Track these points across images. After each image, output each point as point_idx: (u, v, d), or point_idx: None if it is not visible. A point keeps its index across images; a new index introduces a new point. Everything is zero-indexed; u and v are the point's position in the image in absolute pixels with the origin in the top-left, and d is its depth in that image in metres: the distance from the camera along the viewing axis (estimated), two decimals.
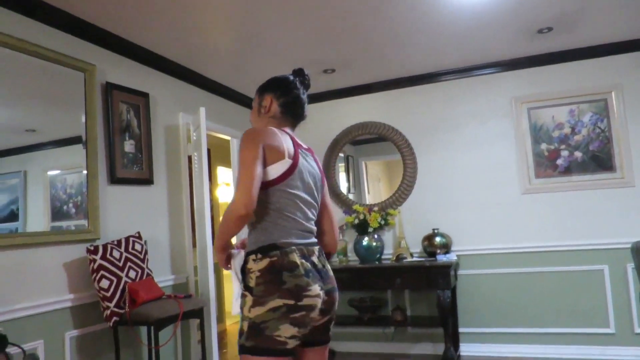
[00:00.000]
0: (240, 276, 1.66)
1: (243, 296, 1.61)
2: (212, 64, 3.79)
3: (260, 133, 1.70)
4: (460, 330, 4.20)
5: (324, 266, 1.73)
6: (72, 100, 2.85)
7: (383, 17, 3.13)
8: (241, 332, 1.59)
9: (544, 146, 4.11)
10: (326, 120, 4.81)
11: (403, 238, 4.30)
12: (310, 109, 4.84)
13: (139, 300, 2.71)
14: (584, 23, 3.45)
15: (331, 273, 1.76)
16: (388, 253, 4.39)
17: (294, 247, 1.63)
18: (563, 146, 4.05)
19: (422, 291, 4.29)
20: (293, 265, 1.60)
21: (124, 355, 2.95)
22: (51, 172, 2.74)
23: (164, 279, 3.36)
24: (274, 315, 1.54)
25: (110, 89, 3.08)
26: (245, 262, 1.65)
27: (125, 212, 3.15)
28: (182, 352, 3.50)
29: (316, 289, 1.62)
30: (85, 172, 2.87)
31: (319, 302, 1.63)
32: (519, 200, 4.13)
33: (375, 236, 4.27)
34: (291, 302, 1.55)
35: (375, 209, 4.42)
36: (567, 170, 4.03)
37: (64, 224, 2.75)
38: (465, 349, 4.17)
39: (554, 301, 3.98)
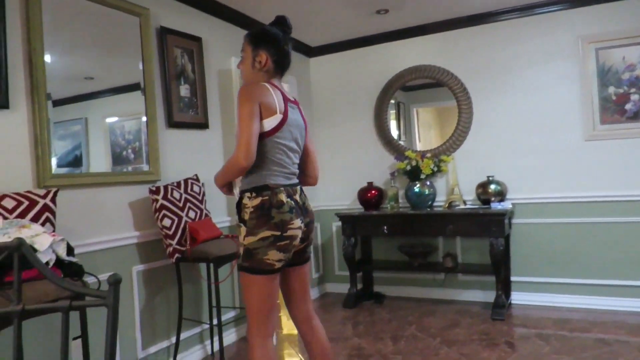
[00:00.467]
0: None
1: (238, 226, 1.94)
2: (263, 6, 3.72)
3: (256, 91, 1.92)
4: (512, 278, 4.16)
5: (304, 203, 2.06)
6: (128, 46, 2.89)
7: None
8: (239, 255, 1.93)
9: (611, 89, 3.85)
10: (378, 64, 4.68)
11: (456, 185, 4.23)
12: (362, 52, 4.77)
13: (199, 238, 2.83)
14: None
15: (310, 208, 2.09)
16: (440, 200, 4.34)
17: (282, 188, 1.94)
18: (633, 89, 3.78)
19: (474, 239, 4.25)
20: (280, 203, 1.91)
21: (186, 289, 3.12)
22: (109, 119, 2.83)
23: (221, 220, 3.49)
24: (263, 243, 1.87)
25: (164, 33, 3.11)
26: (241, 198, 1.95)
27: (183, 155, 3.25)
28: (239, 289, 3.67)
29: (298, 222, 1.95)
30: (144, 118, 2.94)
31: (299, 233, 1.97)
32: (581, 147, 3.94)
33: (427, 183, 4.22)
34: (277, 233, 1.88)
35: (428, 155, 4.35)
36: (636, 116, 3.78)
37: (123, 169, 2.87)
38: (516, 297, 4.15)
39: (611, 252, 3.85)
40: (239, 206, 1.96)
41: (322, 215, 4.96)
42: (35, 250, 1.83)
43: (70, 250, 2.04)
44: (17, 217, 2.06)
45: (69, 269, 1.98)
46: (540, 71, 4.05)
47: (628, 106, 3.80)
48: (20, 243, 0.90)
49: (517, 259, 4.15)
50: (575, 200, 3.95)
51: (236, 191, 2.04)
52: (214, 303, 3.07)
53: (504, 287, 3.96)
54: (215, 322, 3.10)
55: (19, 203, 2.08)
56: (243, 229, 1.92)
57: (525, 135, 4.11)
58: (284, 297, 2.18)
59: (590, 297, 3.92)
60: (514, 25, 4.12)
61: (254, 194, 1.91)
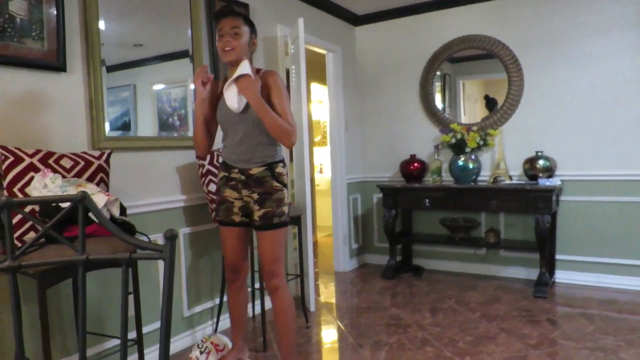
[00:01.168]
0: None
1: (276, 190, 2.28)
2: None
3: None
4: (557, 257, 4.05)
5: None
6: (177, 13, 2.92)
7: None
8: (282, 213, 2.29)
9: None
10: (426, 33, 4.55)
11: (502, 160, 4.11)
12: (410, 21, 4.65)
13: None
14: None
15: None
16: (484, 175, 4.24)
17: None
18: None
19: (519, 215, 4.16)
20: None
21: None
22: (156, 87, 2.89)
23: None
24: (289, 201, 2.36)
25: (213, 1, 3.11)
26: (275, 168, 2.28)
27: None
28: None
29: None
30: (191, 86, 2.98)
31: None
32: (636, 125, 3.73)
33: (472, 157, 4.13)
34: None
35: (474, 128, 4.24)
36: None
37: (169, 134, 2.93)
38: (560, 276, 4.05)
39: None
40: (273, 173, 2.28)
41: (364, 187, 4.95)
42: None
43: (122, 210, 2.13)
44: (74, 176, 2.15)
45: (122, 227, 2.07)
46: (599, 42, 3.84)
47: None
48: (84, 196, 0.94)
49: (563, 237, 4.04)
50: (628, 178, 3.77)
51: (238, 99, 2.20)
52: (255, 268, 3.14)
53: (548, 265, 3.87)
54: (257, 285, 3.18)
55: (76, 163, 2.16)
56: (285, 192, 2.30)
57: (579, 110, 3.94)
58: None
59: (633, 277, 3.79)
60: None
61: (283, 164, 2.34)
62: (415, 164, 4.40)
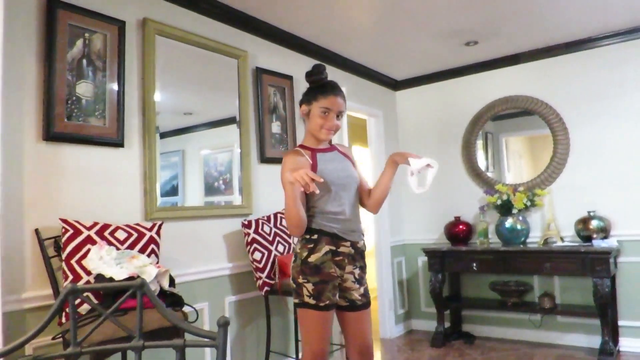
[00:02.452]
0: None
1: (364, 271, 2.14)
2: (350, 42, 3.82)
3: None
4: (620, 323, 3.78)
5: None
6: (225, 84, 3.09)
7: None
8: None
9: None
10: (467, 95, 4.59)
11: (552, 220, 3.97)
12: (450, 84, 4.71)
13: (287, 272, 2.88)
14: None
15: None
16: (534, 236, 4.09)
17: None
18: None
19: (575, 278, 3.95)
20: None
21: (274, 321, 3.18)
22: (204, 151, 3.01)
23: None
24: None
25: (259, 73, 3.28)
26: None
27: (273, 189, 3.35)
28: None
29: None
30: (237, 150, 3.10)
31: None
32: None
33: (520, 218, 4.02)
34: None
35: (521, 188, 4.14)
36: None
37: (214, 199, 3.02)
38: (625, 343, 3.76)
39: None
40: (365, 245, 2.18)
41: (408, 250, 4.86)
42: None
43: (171, 281, 2.17)
44: (127, 247, 2.22)
45: (171, 298, 2.10)
46: None
47: None
48: (142, 283, 0.97)
49: (625, 302, 3.78)
50: None
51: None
52: (300, 337, 3.08)
53: (611, 332, 3.61)
54: (300, 356, 3.11)
55: (129, 235, 2.24)
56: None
57: (632, 166, 3.80)
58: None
59: None
60: (615, 50, 3.88)
61: None
62: (461, 226, 4.31)
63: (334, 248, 2.03)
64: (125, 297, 0.97)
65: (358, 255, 2.10)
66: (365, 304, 2.10)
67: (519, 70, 4.31)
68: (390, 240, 4.63)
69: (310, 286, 2.00)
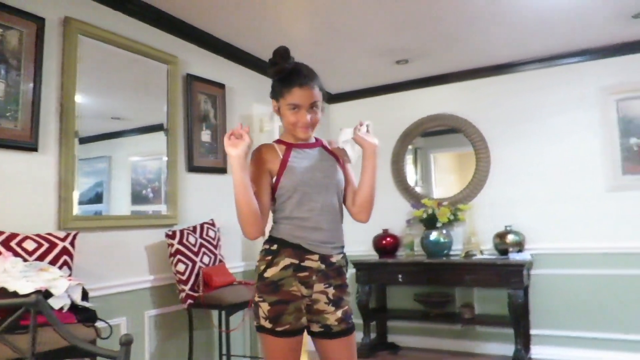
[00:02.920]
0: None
1: (345, 293, 1.81)
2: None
3: None
4: (532, 332, 4.02)
5: None
6: (155, 90, 3.00)
7: (464, 2, 3.02)
8: (351, 311, 1.80)
9: (633, 140, 3.81)
10: (397, 111, 4.73)
11: (473, 234, 4.17)
12: (381, 100, 4.83)
13: (212, 284, 2.82)
14: None
15: None
16: (457, 249, 4.27)
17: None
18: None
19: (493, 289, 4.15)
20: None
21: (197, 336, 3.09)
22: (133, 158, 2.90)
23: (235, 265, 3.48)
24: None
25: (190, 80, 3.21)
26: (345, 254, 1.86)
27: (201, 199, 3.29)
28: (251, 337, 3.61)
29: None
30: (165, 158, 3.01)
31: None
32: (602, 197, 3.87)
33: (444, 231, 4.18)
34: None
35: (445, 203, 4.31)
36: None
37: (142, 207, 2.91)
38: (536, 351, 4.00)
39: (636, 306, 3.71)
40: (346, 261, 1.88)
41: None
42: (51, 294, 1.84)
43: (85, 295, 2.05)
44: (36, 259, 2.08)
45: (83, 313, 1.99)
46: (561, 120, 4.05)
47: None
48: (37, 301, 0.91)
49: (537, 311, 4.03)
50: (597, 251, 3.85)
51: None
52: (224, 351, 3.02)
53: (524, 340, 3.82)
54: None
55: (39, 245, 2.11)
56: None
57: (545, 185, 4.07)
58: None
59: (615, 352, 3.76)
60: (536, 75, 4.16)
61: None
62: (388, 239, 4.42)
63: (296, 262, 1.70)
64: (17, 315, 0.91)
65: (333, 272, 1.76)
66: (345, 330, 1.74)
67: (447, 90, 4.51)
68: None
69: (266, 306, 1.68)
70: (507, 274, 3.69)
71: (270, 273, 1.70)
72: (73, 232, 2.25)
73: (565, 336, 3.93)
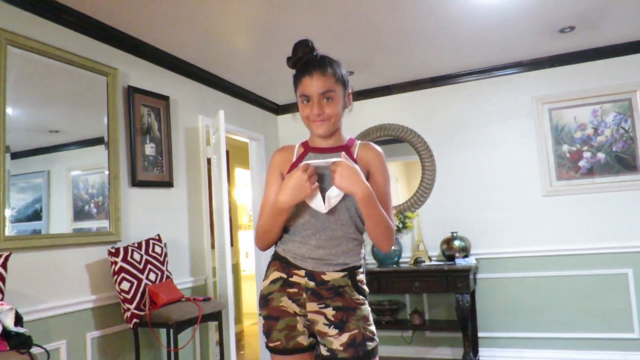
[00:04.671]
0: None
1: (358, 304, 1.59)
2: (231, 66, 3.81)
3: None
4: (480, 334, 4.14)
5: None
6: (95, 102, 2.89)
7: (403, 17, 3.11)
8: (373, 335, 1.56)
9: (565, 147, 4.04)
10: (344, 122, 4.77)
11: (421, 241, 4.26)
12: None
13: (159, 302, 2.73)
14: (607, 21, 3.39)
15: None
16: (406, 256, 4.35)
17: None
18: (585, 147, 3.98)
19: (441, 295, 4.25)
20: None
21: (144, 356, 2.98)
22: (74, 172, 2.79)
23: (183, 280, 3.39)
24: None
25: (132, 92, 3.12)
26: (356, 275, 1.62)
27: (146, 214, 3.19)
28: (201, 354, 3.52)
29: None
30: (107, 172, 2.90)
31: None
32: (540, 203, 4.07)
33: (395, 238, 4.24)
34: None
35: (394, 211, 4.39)
36: (590, 172, 3.96)
37: (85, 224, 2.79)
38: (484, 353, 4.12)
39: (576, 305, 3.91)
40: (354, 280, 1.60)
41: None
42: None
43: (19, 319, 1.94)
44: None
45: (16, 339, 1.87)
46: (499, 129, 4.23)
47: (582, 163, 3.98)
48: None
49: (483, 315, 4.16)
50: (535, 254, 4.04)
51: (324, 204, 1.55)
52: None
53: (472, 343, 3.93)
54: None
55: None
56: (368, 306, 1.63)
57: (487, 191, 4.23)
58: None
59: (556, 350, 3.94)
60: (473, 86, 4.33)
61: (363, 270, 1.70)
62: None
63: (284, 276, 1.59)
64: None
65: (327, 292, 1.56)
66: (353, 358, 1.52)
67: (391, 101, 4.62)
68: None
69: (261, 320, 1.63)
70: (454, 279, 3.78)
71: (263, 286, 1.64)
72: (5, 254, 2.12)
73: (509, 337, 4.08)
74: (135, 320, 2.69)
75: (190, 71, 3.69)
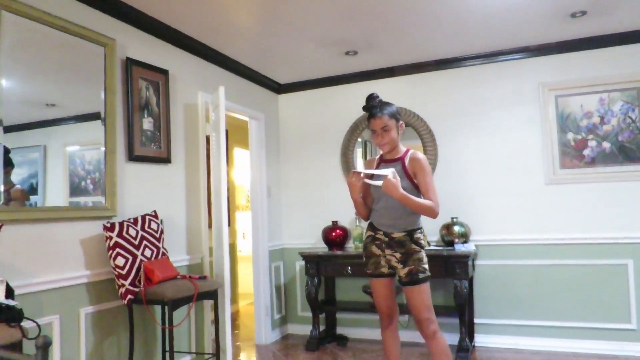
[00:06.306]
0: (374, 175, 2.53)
1: (415, 251, 2.58)
2: (233, 42, 3.72)
3: None
4: (476, 320, 4.13)
5: None
6: (92, 75, 2.81)
7: None
8: (424, 270, 2.57)
9: (570, 136, 3.98)
10: (346, 103, 4.72)
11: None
12: (330, 91, 4.80)
13: (154, 279, 2.69)
14: (620, 7, 3.31)
15: None
16: None
17: None
18: (591, 136, 3.92)
19: (439, 280, 4.22)
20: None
21: (138, 333, 2.95)
22: (70, 148, 2.72)
23: (179, 258, 3.35)
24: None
25: (130, 64, 3.04)
26: (414, 234, 2.61)
27: (143, 190, 3.13)
28: (196, 333, 3.50)
29: None
30: (103, 148, 2.84)
31: None
32: (542, 191, 4.02)
33: None
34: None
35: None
36: (594, 161, 3.90)
37: (81, 199, 2.74)
38: (480, 339, 4.11)
39: (574, 295, 3.89)
40: (412, 238, 2.60)
41: (287, 254, 4.86)
42: None
43: (10, 292, 1.90)
44: None
45: (7, 313, 1.83)
46: (503, 115, 4.17)
47: (586, 152, 3.93)
48: None
49: (480, 301, 4.14)
50: (535, 242, 4.00)
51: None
52: (167, 348, 2.90)
53: (468, 329, 3.92)
54: None
55: None
56: (423, 252, 2.61)
57: (489, 178, 4.18)
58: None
59: (552, 339, 3.93)
60: (479, 70, 4.25)
61: (420, 231, 2.67)
62: (337, 231, 4.40)
63: (372, 234, 2.69)
64: None
65: (395, 244, 2.59)
66: (409, 282, 2.55)
67: (395, 83, 4.54)
68: (269, 245, 4.58)
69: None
70: (452, 264, 3.76)
71: (364, 239, 2.77)
72: None
73: (506, 324, 4.07)
74: (129, 296, 2.66)
75: (191, 45, 3.60)
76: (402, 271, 2.57)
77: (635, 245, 3.76)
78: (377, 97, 2.67)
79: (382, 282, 2.68)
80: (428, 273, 2.59)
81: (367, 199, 2.73)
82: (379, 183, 2.44)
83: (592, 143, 3.91)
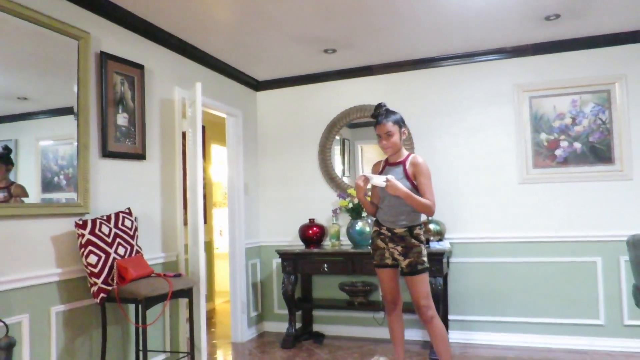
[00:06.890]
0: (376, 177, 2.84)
1: (415, 245, 2.90)
2: (211, 37, 3.68)
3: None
4: (450, 317, 4.19)
5: None
6: (65, 69, 2.75)
7: None
8: (423, 262, 2.89)
9: (543, 136, 4.06)
10: (324, 101, 4.72)
11: None
12: (309, 89, 4.80)
13: (127, 277, 2.66)
14: (593, 11, 3.38)
15: None
16: None
17: None
18: (563, 137, 4.01)
19: None
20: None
21: (111, 332, 2.91)
22: (43, 142, 2.66)
23: (154, 256, 3.31)
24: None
25: (104, 58, 2.98)
26: (414, 230, 2.92)
27: (117, 187, 3.08)
28: (170, 331, 3.46)
29: None
30: (76, 143, 2.78)
31: None
32: (515, 190, 4.10)
33: (369, 221, 4.23)
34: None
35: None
36: (566, 161, 3.99)
37: (54, 195, 2.68)
38: (454, 336, 4.17)
39: (545, 291, 3.98)
40: (412, 233, 2.91)
41: (264, 252, 4.84)
42: None
43: None
44: None
45: None
46: (479, 115, 4.23)
47: (558, 152, 4.01)
48: None
49: (454, 298, 4.20)
50: (508, 240, 4.08)
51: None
52: (141, 347, 2.86)
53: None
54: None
55: None
56: (422, 246, 2.93)
57: (464, 177, 4.24)
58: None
59: (525, 334, 4.02)
60: (455, 71, 4.30)
61: (420, 226, 2.98)
62: (314, 229, 4.41)
63: (378, 229, 3.03)
64: None
65: (397, 238, 2.92)
66: (410, 272, 2.87)
67: (373, 81, 4.56)
68: (246, 242, 4.56)
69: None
70: (428, 262, 3.79)
71: (371, 233, 3.13)
72: None
73: (480, 321, 4.14)
74: (102, 295, 2.61)
75: (168, 40, 3.55)
76: (404, 263, 2.90)
77: (604, 243, 3.86)
78: (384, 105, 3.01)
79: (387, 271, 3.03)
80: (427, 265, 2.91)
81: (375, 199, 3.10)
82: (381, 184, 2.76)
83: (564, 143, 4.00)
